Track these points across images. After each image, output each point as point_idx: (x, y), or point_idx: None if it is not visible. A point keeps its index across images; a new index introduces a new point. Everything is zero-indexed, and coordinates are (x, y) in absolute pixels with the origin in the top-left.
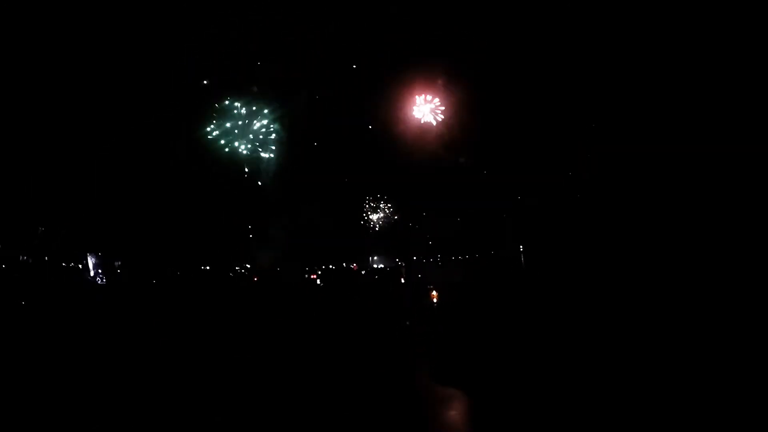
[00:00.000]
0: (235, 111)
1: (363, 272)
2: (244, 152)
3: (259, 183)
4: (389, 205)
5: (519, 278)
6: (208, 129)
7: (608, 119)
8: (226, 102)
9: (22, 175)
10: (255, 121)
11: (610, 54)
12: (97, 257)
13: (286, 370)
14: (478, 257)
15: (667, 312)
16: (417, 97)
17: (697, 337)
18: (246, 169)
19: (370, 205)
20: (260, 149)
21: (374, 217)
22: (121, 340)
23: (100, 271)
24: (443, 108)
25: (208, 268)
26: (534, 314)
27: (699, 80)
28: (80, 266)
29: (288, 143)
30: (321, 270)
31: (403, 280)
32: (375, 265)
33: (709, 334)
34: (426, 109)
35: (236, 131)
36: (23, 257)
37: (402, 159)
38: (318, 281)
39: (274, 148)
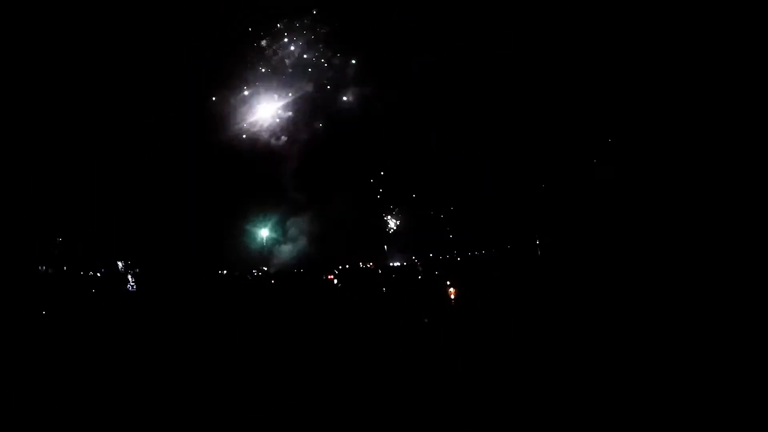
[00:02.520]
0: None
1: (380, 271)
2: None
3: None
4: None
5: (536, 273)
6: None
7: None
8: None
9: (36, 184)
10: None
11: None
12: (109, 265)
13: (294, 372)
14: (495, 251)
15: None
16: None
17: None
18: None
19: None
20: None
21: (390, 214)
22: (132, 345)
23: (111, 279)
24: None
25: (224, 272)
26: (552, 309)
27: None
28: (98, 275)
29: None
30: (338, 269)
31: (420, 277)
32: (391, 263)
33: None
34: None
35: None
36: (43, 267)
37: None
38: (335, 281)
39: None
